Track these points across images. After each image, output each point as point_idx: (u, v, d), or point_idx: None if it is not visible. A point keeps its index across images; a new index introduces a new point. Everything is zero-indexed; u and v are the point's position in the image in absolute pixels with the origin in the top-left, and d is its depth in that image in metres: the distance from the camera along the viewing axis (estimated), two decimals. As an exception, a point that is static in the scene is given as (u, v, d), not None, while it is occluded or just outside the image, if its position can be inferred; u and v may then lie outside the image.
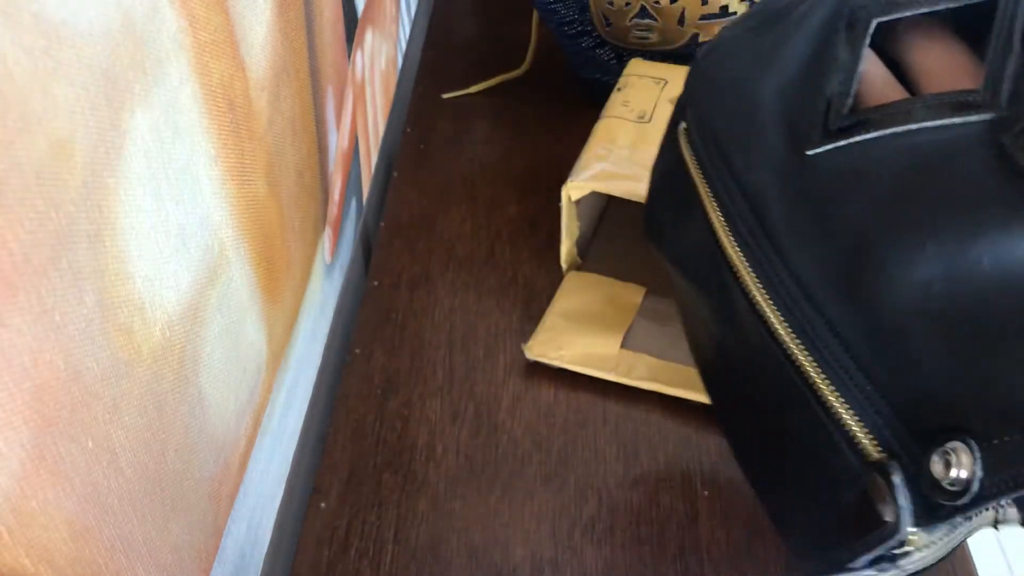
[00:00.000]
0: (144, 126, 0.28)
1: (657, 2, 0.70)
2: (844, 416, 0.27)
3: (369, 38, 0.66)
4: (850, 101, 0.29)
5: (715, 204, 0.33)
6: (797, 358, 0.28)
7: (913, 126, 0.27)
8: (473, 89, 0.84)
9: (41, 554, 0.24)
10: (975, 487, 0.23)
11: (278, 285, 0.45)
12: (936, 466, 0.24)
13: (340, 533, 0.49)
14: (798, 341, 0.28)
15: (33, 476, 0.23)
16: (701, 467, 0.52)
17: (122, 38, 0.26)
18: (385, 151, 0.78)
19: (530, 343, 0.57)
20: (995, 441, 0.23)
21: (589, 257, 0.64)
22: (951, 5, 0.29)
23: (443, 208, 0.71)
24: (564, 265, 0.62)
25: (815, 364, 0.28)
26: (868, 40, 0.30)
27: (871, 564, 0.27)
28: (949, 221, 0.25)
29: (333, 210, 0.57)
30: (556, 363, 0.56)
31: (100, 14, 0.25)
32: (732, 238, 0.31)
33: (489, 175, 0.74)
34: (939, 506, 0.24)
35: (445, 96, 0.84)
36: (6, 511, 0.22)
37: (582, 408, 0.55)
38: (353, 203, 0.64)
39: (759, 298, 0.29)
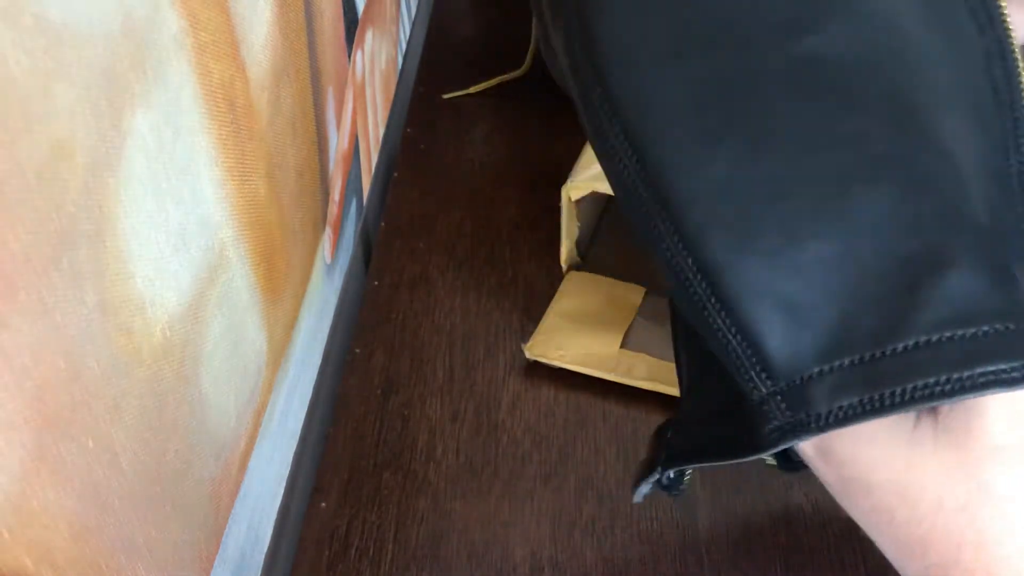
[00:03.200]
0: (145, 126, 0.28)
1: (657, 2, 0.70)
2: None
3: (369, 38, 0.66)
4: None
5: None
6: None
7: None
8: (473, 89, 0.84)
9: (42, 554, 0.24)
10: None
11: (278, 285, 0.45)
12: None
13: (340, 533, 0.49)
14: None
15: (34, 476, 0.23)
16: (701, 467, 0.52)
17: (123, 39, 0.26)
18: (385, 151, 0.78)
19: (530, 343, 0.57)
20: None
21: (589, 257, 0.64)
22: None
23: (443, 208, 0.71)
24: (564, 265, 0.62)
25: None
26: None
27: None
28: None
29: (333, 210, 0.57)
30: (556, 363, 0.56)
31: (101, 15, 0.25)
32: None
33: (489, 175, 0.74)
34: None
35: (445, 96, 0.84)
36: (7, 511, 0.22)
37: (582, 408, 0.55)
38: (353, 203, 0.64)
39: None
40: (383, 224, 0.69)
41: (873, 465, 0.25)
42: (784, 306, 0.26)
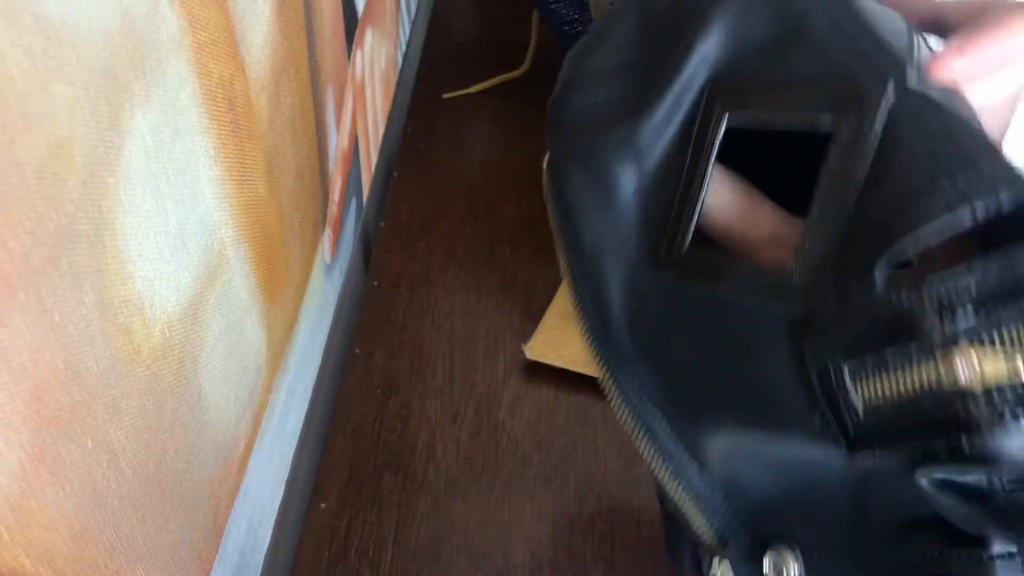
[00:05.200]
0: (144, 126, 0.28)
1: (657, 2, 0.70)
2: (687, 504, 0.27)
3: (369, 38, 0.66)
4: (688, 238, 0.26)
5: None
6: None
7: (725, 298, 0.25)
8: (473, 89, 0.84)
9: (41, 554, 0.24)
10: None
11: (278, 285, 0.45)
12: (767, 563, 0.25)
13: (340, 533, 0.49)
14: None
15: (33, 476, 0.23)
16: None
17: (122, 38, 0.26)
18: (385, 151, 0.78)
19: (530, 343, 0.57)
20: (814, 555, 0.25)
21: (589, 257, 0.64)
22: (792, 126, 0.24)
23: (443, 208, 0.71)
24: (564, 265, 0.62)
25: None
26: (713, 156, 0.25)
27: None
28: (750, 415, 0.25)
29: (333, 210, 0.57)
30: (556, 363, 0.56)
31: (100, 14, 0.25)
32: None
33: (489, 175, 0.74)
34: None
35: (445, 96, 0.84)
36: (6, 511, 0.22)
37: (582, 408, 0.55)
38: (353, 203, 0.64)
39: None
40: (383, 224, 0.69)
41: None
42: None
